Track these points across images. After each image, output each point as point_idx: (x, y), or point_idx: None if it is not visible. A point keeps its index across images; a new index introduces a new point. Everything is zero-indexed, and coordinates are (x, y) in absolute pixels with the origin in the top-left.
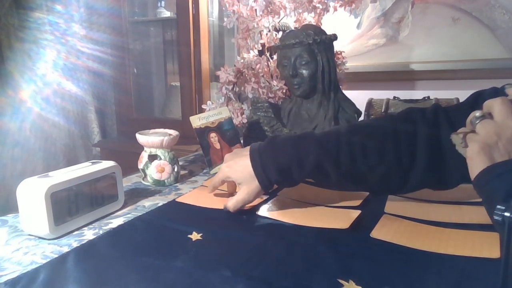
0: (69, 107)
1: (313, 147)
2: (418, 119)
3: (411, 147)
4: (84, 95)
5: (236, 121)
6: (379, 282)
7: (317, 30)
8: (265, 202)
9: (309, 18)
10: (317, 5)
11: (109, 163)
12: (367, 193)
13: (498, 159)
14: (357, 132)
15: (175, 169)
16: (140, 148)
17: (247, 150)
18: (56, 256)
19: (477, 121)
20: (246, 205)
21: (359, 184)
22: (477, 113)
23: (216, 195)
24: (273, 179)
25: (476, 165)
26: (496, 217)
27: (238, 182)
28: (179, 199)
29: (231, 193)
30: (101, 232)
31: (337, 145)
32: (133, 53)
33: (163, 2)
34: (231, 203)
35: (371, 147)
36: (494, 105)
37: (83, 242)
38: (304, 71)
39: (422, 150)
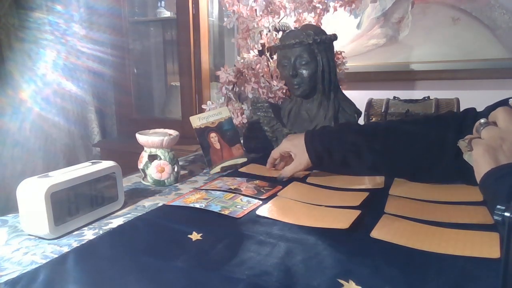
0: (69, 107)
1: (353, 129)
2: (449, 120)
3: (439, 144)
4: (84, 95)
5: (236, 121)
6: (379, 282)
7: (317, 30)
8: (265, 202)
9: (309, 18)
10: (317, 5)
11: (109, 163)
12: (367, 193)
13: (503, 161)
14: (393, 125)
15: (175, 169)
16: (140, 148)
17: (303, 133)
18: (56, 256)
19: (482, 128)
20: (296, 174)
21: (389, 170)
22: (482, 120)
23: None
24: (319, 152)
25: (481, 166)
26: (496, 217)
27: (294, 153)
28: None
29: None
30: (101, 232)
31: (374, 131)
32: (133, 53)
33: (163, 2)
34: (287, 170)
35: (403, 138)
36: (498, 114)
37: (83, 242)
38: (304, 71)
39: (449, 150)
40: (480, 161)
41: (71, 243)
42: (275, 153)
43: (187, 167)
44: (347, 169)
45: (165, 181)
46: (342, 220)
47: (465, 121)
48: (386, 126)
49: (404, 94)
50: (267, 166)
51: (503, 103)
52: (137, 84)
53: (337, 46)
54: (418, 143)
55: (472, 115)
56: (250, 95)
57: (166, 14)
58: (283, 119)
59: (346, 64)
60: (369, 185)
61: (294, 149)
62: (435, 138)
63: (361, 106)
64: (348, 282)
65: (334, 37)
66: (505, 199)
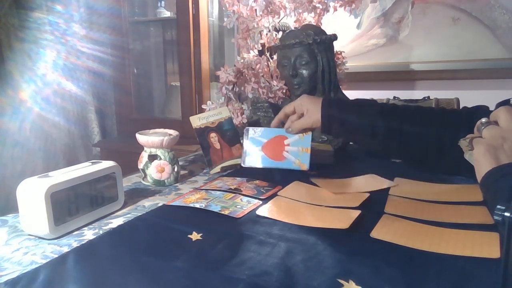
0: (69, 107)
1: (372, 106)
2: (463, 114)
3: (451, 135)
4: (84, 95)
5: (236, 121)
6: (379, 282)
7: (317, 30)
8: (265, 202)
9: (309, 18)
10: (317, 5)
11: (109, 163)
12: (368, 194)
13: (504, 160)
14: (411, 108)
15: (175, 169)
16: (140, 148)
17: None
18: (56, 256)
19: (483, 127)
20: (304, 131)
21: (398, 152)
22: (483, 120)
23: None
24: (333, 119)
25: (482, 166)
26: (496, 217)
27: (307, 109)
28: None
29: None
30: (101, 232)
31: (393, 111)
32: (133, 53)
33: (163, 2)
34: (296, 125)
35: (419, 123)
36: (499, 113)
37: (83, 242)
38: (304, 71)
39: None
40: (481, 160)
41: (71, 243)
42: (289, 108)
43: (187, 167)
44: (355, 142)
45: (165, 181)
46: (342, 220)
47: (478, 116)
48: (404, 108)
49: (404, 94)
50: (273, 122)
51: (505, 103)
52: (137, 84)
53: (337, 46)
54: (432, 131)
55: (484, 111)
56: (250, 95)
57: (166, 14)
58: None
59: (346, 64)
60: (373, 188)
61: (310, 105)
62: (448, 129)
63: None
64: (348, 282)
65: (334, 37)
66: (505, 199)
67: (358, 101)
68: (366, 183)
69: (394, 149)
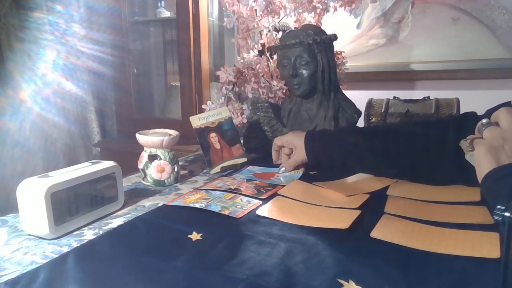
0: (69, 107)
1: (353, 131)
2: (449, 121)
3: (439, 145)
4: (84, 95)
5: (236, 121)
6: (379, 282)
7: (317, 30)
8: (265, 202)
9: (309, 18)
10: (317, 5)
11: (109, 163)
12: (368, 195)
13: (505, 161)
14: (392, 126)
15: (175, 169)
16: (140, 148)
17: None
18: (56, 256)
19: (484, 128)
20: (296, 168)
21: (389, 171)
22: (484, 121)
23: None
24: (318, 155)
25: (483, 166)
26: (496, 217)
27: (294, 145)
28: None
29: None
30: (101, 232)
31: (374, 132)
32: (133, 53)
33: (163, 2)
34: (290, 162)
35: (403, 139)
36: (500, 114)
37: (83, 242)
38: (304, 71)
39: (450, 151)
40: (482, 161)
41: (71, 243)
42: (277, 141)
43: (187, 167)
44: (347, 171)
45: (165, 181)
46: (342, 220)
47: (465, 123)
48: (385, 127)
49: (404, 94)
50: (273, 157)
51: (505, 105)
52: (137, 84)
53: (337, 46)
54: (418, 144)
55: (472, 117)
56: (250, 95)
57: (166, 14)
58: (283, 119)
59: (346, 64)
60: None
61: (295, 142)
62: (434, 139)
63: (361, 106)
64: (348, 282)
65: (334, 37)
66: (506, 199)
67: (339, 130)
68: (367, 181)
69: (385, 169)
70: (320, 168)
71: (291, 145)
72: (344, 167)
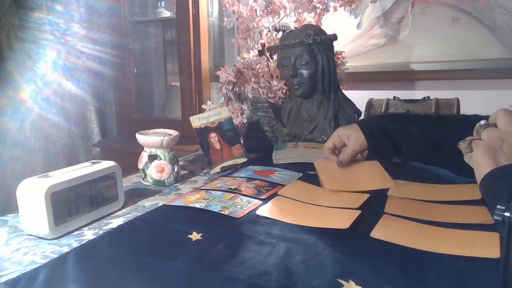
0: (69, 107)
1: (405, 116)
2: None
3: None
4: (84, 95)
5: (236, 121)
6: (379, 282)
7: (317, 30)
8: (265, 202)
9: (309, 18)
10: (317, 5)
11: (109, 163)
12: (368, 195)
13: (503, 162)
14: (444, 117)
15: (175, 169)
16: (140, 148)
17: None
18: (56, 256)
19: (482, 129)
20: (357, 157)
21: (439, 159)
22: (482, 122)
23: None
24: (375, 130)
25: (481, 167)
26: (496, 217)
27: (347, 135)
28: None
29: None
30: (101, 232)
31: (428, 118)
32: (133, 53)
33: (163, 2)
34: (344, 155)
35: (454, 131)
36: (498, 115)
37: (83, 242)
38: (304, 71)
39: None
40: (480, 162)
41: (71, 243)
42: (329, 143)
43: (187, 167)
44: (400, 153)
45: (165, 181)
46: (342, 220)
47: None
48: (438, 116)
49: (404, 94)
50: (331, 158)
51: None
52: (137, 84)
53: (337, 46)
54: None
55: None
56: (250, 95)
57: (166, 14)
58: (283, 119)
59: (346, 64)
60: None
61: (347, 131)
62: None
63: (361, 106)
64: (348, 282)
65: (334, 37)
66: (505, 199)
67: (389, 114)
68: (369, 176)
69: (436, 156)
70: (378, 147)
71: (344, 139)
72: (399, 147)
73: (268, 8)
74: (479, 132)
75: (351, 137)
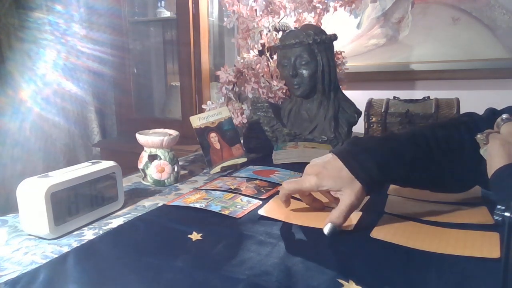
0: (69, 107)
1: (405, 141)
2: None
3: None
4: (84, 95)
5: (236, 121)
6: (379, 282)
7: (317, 30)
8: (265, 202)
9: (309, 18)
10: (317, 5)
11: (109, 163)
12: (367, 197)
13: None
14: (436, 128)
15: (175, 169)
16: (140, 148)
17: (328, 156)
18: (56, 256)
19: (503, 123)
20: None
21: (452, 183)
22: (504, 116)
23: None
24: (375, 176)
25: (494, 161)
26: (496, 217)
27: (337, 189)
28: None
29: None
30: (101, 232)
31: (426, 140)
32: (133, 53)
33: (163, 2)
34: (336, 214)
35: (461, 149)
36: None
37: (83, 242)
38: (304, 71)
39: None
40: (494, 155)
41: (71, 243)
42: (290, 187)
43: (187, 167)
44: (405, 182)
45: (165, 181)
46: None
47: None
48: (430, 129)
49: (404, 94)
50: (284, 205)
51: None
52: (137, 84)
53: (337, 46)
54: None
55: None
56: (250, 95)
57: (166, 14)
58: (283, 119)
59: (346, 64)
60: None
61: (334, 182)
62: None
63: (361, 106)
64: (348, 282)
65: (334, 37)
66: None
67: (379, 137)
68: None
69: (449, 182)
70: (379, 191)
71: (327, 187)
72: (406, 182)
73: (268, 8)
74: (499, 125)
75: (344, 189)
